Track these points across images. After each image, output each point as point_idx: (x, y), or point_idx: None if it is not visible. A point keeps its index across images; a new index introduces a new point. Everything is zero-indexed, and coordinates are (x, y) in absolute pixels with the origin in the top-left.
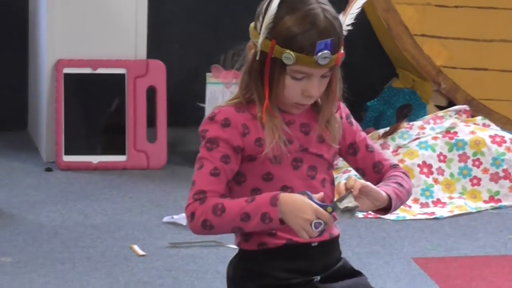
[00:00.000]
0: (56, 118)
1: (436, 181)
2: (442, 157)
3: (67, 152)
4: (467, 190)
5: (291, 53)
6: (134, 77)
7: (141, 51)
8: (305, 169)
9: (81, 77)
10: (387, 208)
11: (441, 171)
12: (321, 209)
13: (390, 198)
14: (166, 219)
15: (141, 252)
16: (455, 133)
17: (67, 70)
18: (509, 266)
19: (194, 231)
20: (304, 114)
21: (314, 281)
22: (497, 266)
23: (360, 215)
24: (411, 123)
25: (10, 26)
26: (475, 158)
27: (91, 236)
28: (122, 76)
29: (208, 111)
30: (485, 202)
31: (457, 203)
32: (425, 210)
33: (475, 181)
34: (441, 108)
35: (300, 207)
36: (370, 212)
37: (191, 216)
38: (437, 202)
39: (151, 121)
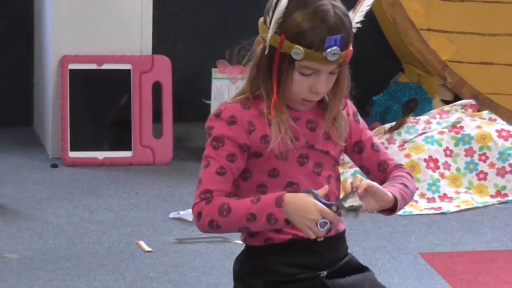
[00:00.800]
0: (62, 114)
1: (442, 175)
2: (448, 152)
3: (72, 148)
4: (473, 184)
5: (300, 48)
6: (139, 72)
7: (147, 46)
8: (311, 165)
9: (87, 73)
10: (392, 209)
11: (447, 166)
12: (326, 208)
13: (396, 199)
14: (172, 215)
15: (147, 248)
16: (461, 127)
17: (72, 66)
18: None
19: (201, 230)
20: (311, 111)
21: (320, 276)
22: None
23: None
24: (417, 117)
25: (15, 22)
26: (481, 152)
27: (97, 232)
28: (127, 71)
29: (214, 107)
30: (492, 196)
31: (463, 198)
32: (432, 205)
33: (481, 175)
34: (447, 102)
35: (305, 207)
36: (374, 212)
37: (198, 216)
38: (444, 197)
39: (157, 117)
